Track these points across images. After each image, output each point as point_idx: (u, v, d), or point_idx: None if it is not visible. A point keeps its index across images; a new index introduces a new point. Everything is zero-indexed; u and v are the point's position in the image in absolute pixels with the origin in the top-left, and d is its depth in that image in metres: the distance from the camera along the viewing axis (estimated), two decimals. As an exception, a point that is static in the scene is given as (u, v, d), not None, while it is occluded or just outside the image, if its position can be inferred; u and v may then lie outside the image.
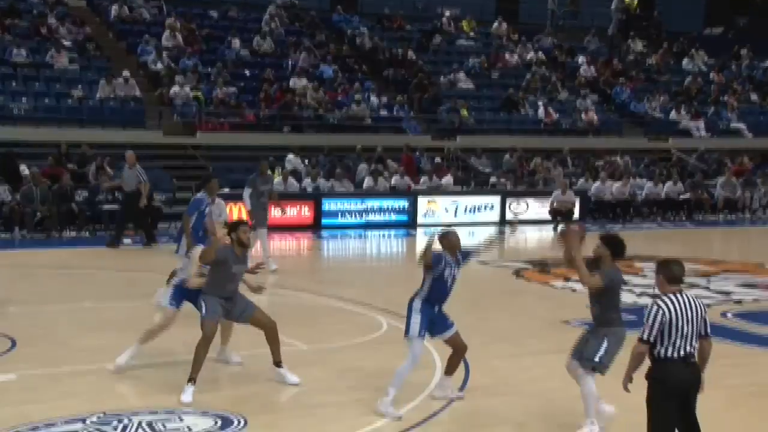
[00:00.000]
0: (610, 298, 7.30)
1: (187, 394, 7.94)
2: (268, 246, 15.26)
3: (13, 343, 9.82)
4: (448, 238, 8.09)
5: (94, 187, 19.71)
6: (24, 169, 19.35)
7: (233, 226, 8.57)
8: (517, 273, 15.54)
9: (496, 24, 33.25)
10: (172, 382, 8.36)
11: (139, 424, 7.32)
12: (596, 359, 7.25)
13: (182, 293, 8.83)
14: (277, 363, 8.60)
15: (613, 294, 7.34)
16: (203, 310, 8.27)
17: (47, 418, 7.39)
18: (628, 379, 6.06)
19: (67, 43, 24.68)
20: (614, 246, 7.31)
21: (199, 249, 8.75)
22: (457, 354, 8.21)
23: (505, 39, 32.76)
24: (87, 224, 19.14)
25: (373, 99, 26.67)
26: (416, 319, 7.87)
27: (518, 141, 26.85)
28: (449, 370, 8.25)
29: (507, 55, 31.50)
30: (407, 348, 7.92)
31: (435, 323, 7.98)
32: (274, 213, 16.79)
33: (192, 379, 8.03)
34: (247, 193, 15.24)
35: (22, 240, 17.49)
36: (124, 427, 7.25)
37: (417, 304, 7.95)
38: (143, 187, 17.57)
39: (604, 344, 7.24)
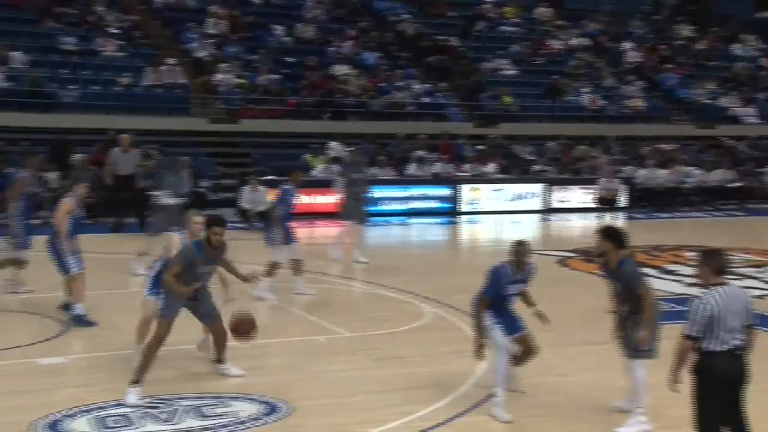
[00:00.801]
0: None
1: (132, 396, 7.45)
2: (358, 240, 14.97)
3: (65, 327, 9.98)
4: (520, 249, 7.58)
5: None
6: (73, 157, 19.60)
7: (208, 223, 7.91)
8: (561, 261, 15.40)
9: (540, 9, 32.90)
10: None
11: (187, 408, 7.38)
12: (647, 347, 7.16)
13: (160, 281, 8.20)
14: (220, 360, 8.35)
15: None
16: (162, 307, 7.81)
17: (98, 401, 7.48)
18: (675, 377, 5.94)
19: (114, 30, 24.91)
20: (615, 238, 7.27)
21: (174, 237, 8.13)
22: (527, 353, 7.86)
23: (550, 24, 32.42)
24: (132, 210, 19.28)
25: (416, 86, 26.57)
26: (485, 316, 7.54)
27: (562, 128, 26.60)
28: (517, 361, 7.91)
29: (551, 41, 31.18)
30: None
31: (505, 323, 7.60)
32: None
33: (136, 382, 7.53)
34: (340, 183, 15.00)
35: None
36: (173, 411, 7.31)
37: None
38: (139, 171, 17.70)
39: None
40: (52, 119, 21.59)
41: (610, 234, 7.29)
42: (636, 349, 7.21)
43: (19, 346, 9.18)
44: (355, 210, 14.77)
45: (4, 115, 21.03)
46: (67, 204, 10.09)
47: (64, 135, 20.71)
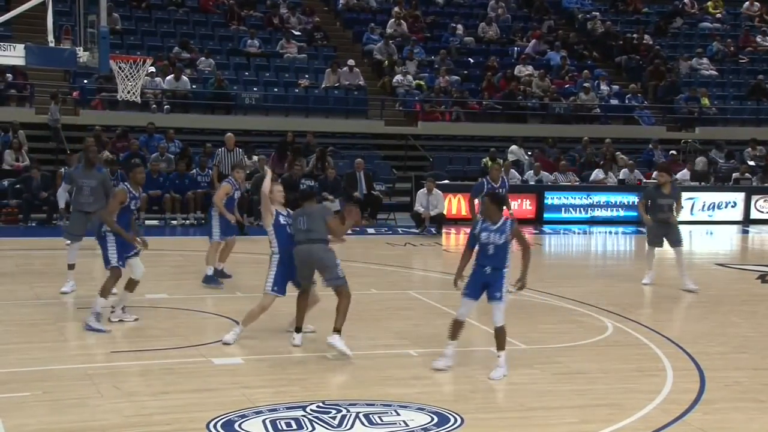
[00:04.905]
0: None
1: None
2: (683, 264, 13.17)
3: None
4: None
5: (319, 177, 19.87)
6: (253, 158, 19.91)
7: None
8: (763, 278, 14.39)
9: (747, 4, 31.09)
10: (392, 374, 8.28)
11: (357, 415, 7.27)
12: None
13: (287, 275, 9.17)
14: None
15: None
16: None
17: (270, 403, 7.47)
18: None
19: (296, 32, 25.38)
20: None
21: None
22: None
23: (758, 20, 30.59)
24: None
25: (604, 87, 25.75)
26: None
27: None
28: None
29: (758, 38, 29.38)
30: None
31: None
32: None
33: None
34: (642, 207, 13.60)
35: (249, 226, 18.06)
36: (343, 417, 7.22)
37: None
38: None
39: None
40: (233, 121, 22.21)
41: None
42: None
43: (195, 345, 9.29)
44: (657, 235, 13.20)
45: (189, 117, 21.86)
46: (226, 187, 11.96)
47: (243, 136, 21.12)
